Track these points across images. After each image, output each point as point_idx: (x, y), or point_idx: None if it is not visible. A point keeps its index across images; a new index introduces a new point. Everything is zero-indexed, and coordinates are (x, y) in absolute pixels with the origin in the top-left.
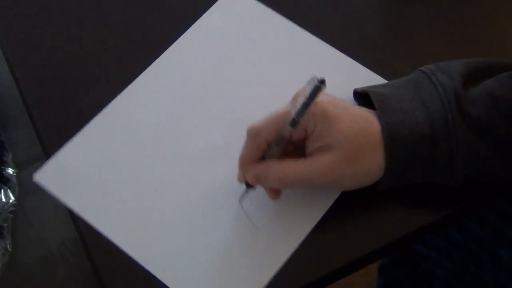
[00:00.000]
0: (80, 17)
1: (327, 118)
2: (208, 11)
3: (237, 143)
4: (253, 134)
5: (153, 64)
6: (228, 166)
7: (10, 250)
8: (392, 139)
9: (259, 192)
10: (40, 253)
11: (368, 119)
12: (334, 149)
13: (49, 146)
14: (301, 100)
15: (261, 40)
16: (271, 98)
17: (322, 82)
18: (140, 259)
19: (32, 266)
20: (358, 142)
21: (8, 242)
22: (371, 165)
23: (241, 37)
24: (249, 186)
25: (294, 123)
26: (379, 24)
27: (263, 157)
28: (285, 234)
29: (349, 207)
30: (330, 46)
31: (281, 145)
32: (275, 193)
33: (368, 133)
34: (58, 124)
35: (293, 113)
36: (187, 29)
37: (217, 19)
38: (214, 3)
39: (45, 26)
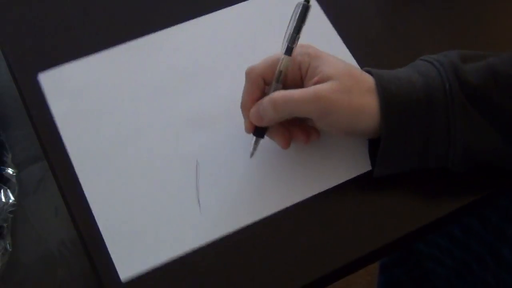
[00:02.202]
0: (81, 17)
1: (320, 56)
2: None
3: (225, 116)
4: (248, 72)
5: (164, 30)
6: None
7: (10, 250)
8: (388, 105)
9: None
10: (40, 253)
11: (363, 73)
12: (331, 79)
13: (48, 146)
14: (291, 25)
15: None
16: None
17: (307, 1)
18: (87, 189)
19: (32, 266)
20: (352, 78)
21: (8, 242)
22: (366, 104)
23: (257, 24)
24: (257, 134)
25: (289, 50)
26: (379, 24)
27: None
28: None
29: (349, 206)
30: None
31: (280, 81)
32: (283, 139)
33: (363, 80)
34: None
35: (286, 41)
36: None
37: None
38: None
39: (45, 26)
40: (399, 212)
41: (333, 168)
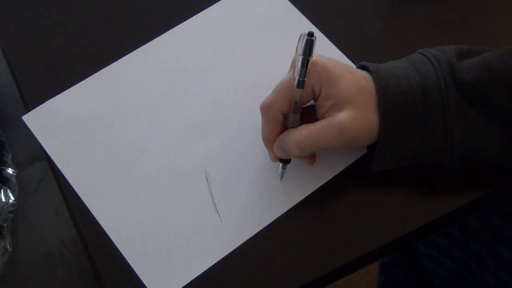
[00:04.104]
0: (81, 17)
1: (330, 75)
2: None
3: (224, 123)
4: (265, 109)
5: (154, 40)
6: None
7: (10, 250)
8: (386, 104)
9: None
10: (40, 253)
11: (366, 78)
12: (346, 105)
13: None
14: (299, 59)
15: (266, 27)
16: (264, 83)
17: (311, 35)
18: (100, 218)
19: (32, 266)
20: (362, 97)
21: (8, 242)
22: (373, 121)
23: (248, 22)
24: (284, 162)
25: (300, 83)
26: (379, 24)
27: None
28: (247, 221)
29: (348, 206)
30: (332, 44)
31: (298, 112)
32: (309, 159)
33: (369, 91)
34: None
35: (296, 75)
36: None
37: (230, 4)
38: None
39: (45, 26)
40: (398, 212)
41: (333, 157)
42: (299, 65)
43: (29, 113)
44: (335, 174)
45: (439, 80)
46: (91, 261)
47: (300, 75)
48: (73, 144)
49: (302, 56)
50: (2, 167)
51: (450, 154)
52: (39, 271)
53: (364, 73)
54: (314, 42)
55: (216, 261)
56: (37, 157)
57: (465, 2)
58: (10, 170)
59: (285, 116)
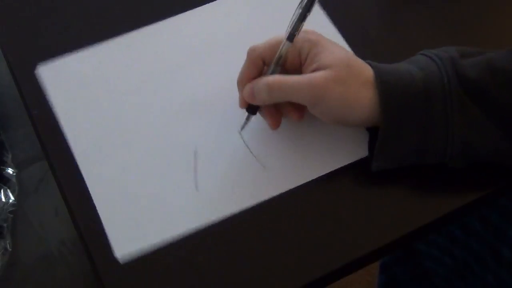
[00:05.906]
0: (81, 17)
1: (321, 44)
2: None
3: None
4: (250, 52)
5: (160, 22)
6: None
7: (10, 250)
8: (388, 97)
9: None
10: (40, 253)
11: (362, 64)
12: (327, 68)
13: (49, 146)
14: (296, 12)
15: (269, 22)
16: None
17: None
18: (87, 178)
19: (32, 266)
20: (350, 69)
21: (8, 242)
22: (360, 98)
23: (252, 16)
24: (249, 111)
25: (291, 36)
26: (379, 24)
27: None
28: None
29: (348, 206)
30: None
31: (277, 65)
32: (274, 120)
33: (361, 72)
34: (58, 124)
35: (289, 27)
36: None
37: None
38: None
39: (45, 26)
40: (399, 212)
41: (331, 153)
42: (295, 19)
43: (44, 66)
44: (328, 172)
45: (441, 75)
46: (91, 261)
47: (293, 28)
48: (78, 104)
49: (300, 10)
50: (2, 167)
51: (450, 150)
52: (39, 271)
53: (360, 60)
54: (316, 1)
55: (186, 228)
56: (37, 157)
57: (466, 2)
58: (10, 170)
59: (267, 65)
